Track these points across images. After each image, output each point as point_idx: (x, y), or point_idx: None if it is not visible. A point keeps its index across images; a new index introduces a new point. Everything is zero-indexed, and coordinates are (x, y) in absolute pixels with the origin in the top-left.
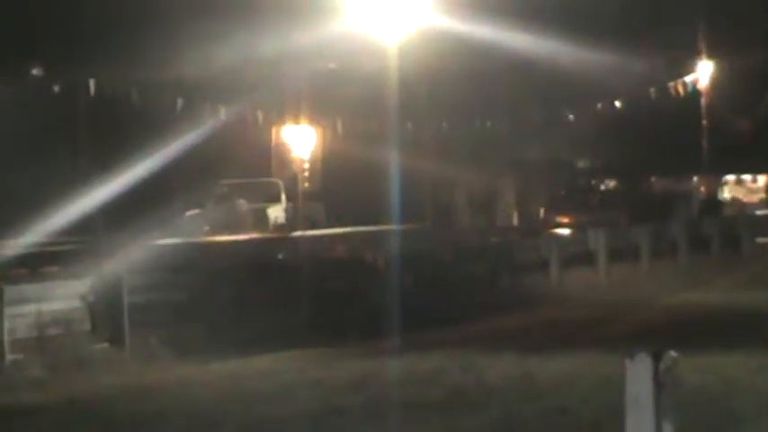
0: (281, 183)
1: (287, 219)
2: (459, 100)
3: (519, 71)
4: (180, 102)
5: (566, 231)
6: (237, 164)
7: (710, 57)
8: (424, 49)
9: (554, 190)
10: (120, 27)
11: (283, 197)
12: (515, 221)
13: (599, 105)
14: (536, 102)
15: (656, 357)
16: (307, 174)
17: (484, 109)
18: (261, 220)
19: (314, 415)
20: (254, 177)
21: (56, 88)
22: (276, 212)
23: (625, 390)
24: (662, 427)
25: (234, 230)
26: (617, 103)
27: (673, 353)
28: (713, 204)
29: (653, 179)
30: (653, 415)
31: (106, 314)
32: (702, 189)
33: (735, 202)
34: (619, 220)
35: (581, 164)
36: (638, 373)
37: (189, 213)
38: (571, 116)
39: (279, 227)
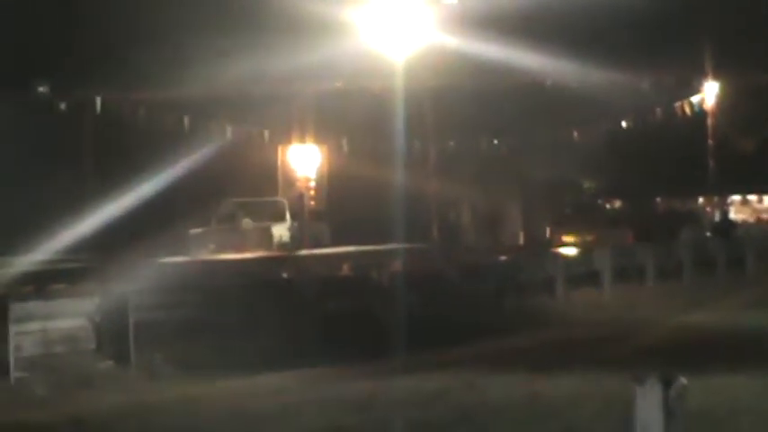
0: (285, 202)
1: (291, 237)
2: (466, 118)
3: (525, 90)
4: (186, 120)
5: (571, 250)
6: (243, 183)
7: (716, 77)
8: (431, 68)
9: (560, 209)
10: (128, 46)
11: (288, 216)
12: (521, 240)
13: (605, 125)
14: (542, 121)
15: (666, 384)
16: (313, 192)
17: (490, 127)
18: (265, 238)
19: None
20: (260, 196)
21: (62, 106)
22: (280, 231)
23: (634, 415)
24: None
25: (238, 249)
26: (623, 123)
27: (683, 379)
28: (726, 225)
29: (657, 199)
30: None
31: (112, 332)
32: (708, 209)
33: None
34: (624, 240)
35: (587, 183)
36: (648, 400)
37: (193, 232)
38: (577, 135)
39: (283, 245)
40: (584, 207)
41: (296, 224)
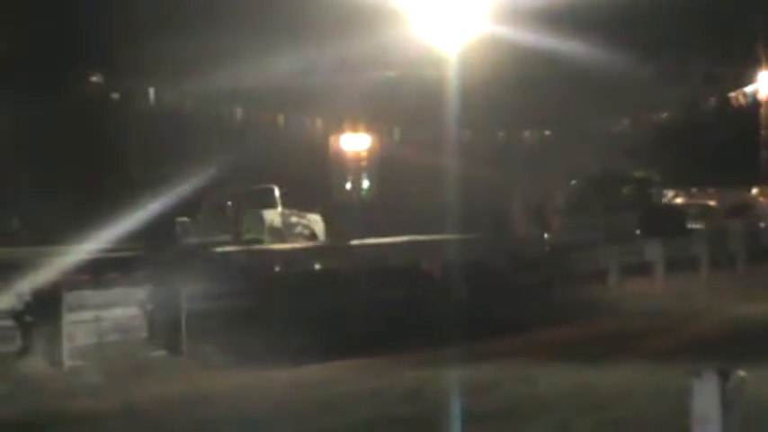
0: (276, 189)
1: (283, 223)
2: (517, 108)
3: (576, 79)
4: (239, 111)
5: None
6: (295, 172)
7: None
8: (482, 58)
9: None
10: (182, 37)
11: (279, 203)
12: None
13: (657, 115)
14: (592, 111)
15: (724, 376)
16: (364, 181)
17: (540, 118)
18: (256, 223)
19: (369, 424)
20: (311, 186)
21: (115, 96)
22: (272, 216)
23: (690, 409)
24: None
25: (225, 233)
26: (674, 114)
27: (741, 372)
28: None
29: (711, 190)
30: None
31: (164, 322)
32: (761, 200)
33: None
34: (629, 228)
35: (638, 174)
36: (706, 393)
37: (179, 219)
38: (626, 125)
39: (275, 231)
40: (636, 197)
41: (287, 211)
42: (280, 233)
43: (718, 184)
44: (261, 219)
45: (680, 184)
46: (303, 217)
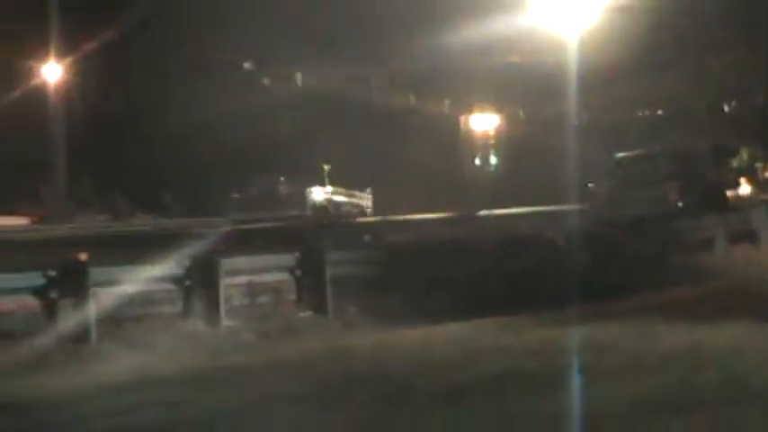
0: (325, 169)
1: (327, 201)
2: (630, 91)
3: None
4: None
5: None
6: (427, 148)
7: None
8: (600, 44)
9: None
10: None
11: (327, 182)
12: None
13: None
14: (702, 92)
15: None
16: (492, 158)
17: (651, 99)
18: (301, 200)
19: (500, 378)
20: (444, 163)
21: (265, 81)
22: (317, 195)
23: None
24: None
25: (275, 209)
26: None
27: None
28: None
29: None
30: None
31: (311, 285)
32: None
33: None
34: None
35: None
36: None
37: (233, 196)
38: (734, 106)
39: (319, 207)
40: (740, 171)
41: (333, 190)
42: (325, 210)
43: None
44: (306, 197)
45: None
46: (352, 196)
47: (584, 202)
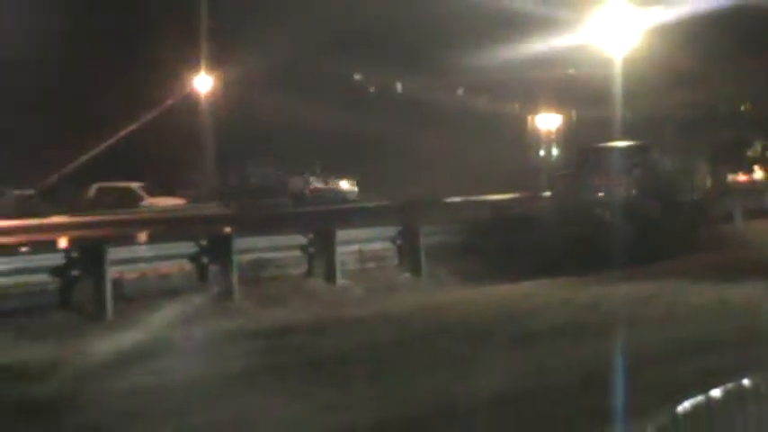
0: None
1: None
2: (668, 95)
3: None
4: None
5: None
6: (501, 142)
7: None
8: (642, 60)
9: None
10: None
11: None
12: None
13: None
14: (726, 96)
15: None
16: (554, 150)
17: (686, 101)
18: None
19: (561, 327)
20: (511, 157)
21: (371, 89)
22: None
23: None
24: None
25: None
26: None
27: None
28: None
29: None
30: None
31: (409, 252)
32: None
33: None
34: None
35: (760, 142)
36: None
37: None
38: (750, 107)
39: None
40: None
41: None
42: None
43: None
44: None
45: None
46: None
47: (550, 186)
